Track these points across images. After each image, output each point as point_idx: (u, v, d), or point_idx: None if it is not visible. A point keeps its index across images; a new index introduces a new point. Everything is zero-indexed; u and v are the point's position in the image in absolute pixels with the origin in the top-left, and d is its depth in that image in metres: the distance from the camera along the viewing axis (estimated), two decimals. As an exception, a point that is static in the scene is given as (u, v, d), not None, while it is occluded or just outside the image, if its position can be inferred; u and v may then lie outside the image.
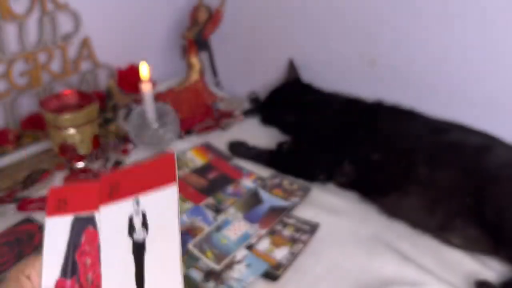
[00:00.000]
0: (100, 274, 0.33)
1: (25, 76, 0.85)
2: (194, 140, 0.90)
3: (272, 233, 0.66)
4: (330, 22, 0.88)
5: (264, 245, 0.64)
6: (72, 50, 0.91)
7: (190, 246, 0.61)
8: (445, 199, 0.64)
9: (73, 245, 0.34)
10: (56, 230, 0.34)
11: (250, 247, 0.63)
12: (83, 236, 0.34)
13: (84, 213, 0.35)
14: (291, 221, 0.68)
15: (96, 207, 0.34)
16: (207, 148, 0.87)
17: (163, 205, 0.32)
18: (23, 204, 0.68)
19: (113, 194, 0.34)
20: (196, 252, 0.61)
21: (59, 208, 0.35)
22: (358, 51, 0.86)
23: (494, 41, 0.70)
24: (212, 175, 0.78)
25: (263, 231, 0.66)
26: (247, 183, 0.77)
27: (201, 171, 0.79)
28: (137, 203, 0.33)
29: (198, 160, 0.83)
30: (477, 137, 0.68)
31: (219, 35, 0.99)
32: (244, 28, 1.03)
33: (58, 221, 0.34)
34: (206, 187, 0.75)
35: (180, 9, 1.10)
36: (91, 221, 0.34)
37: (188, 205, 0.70)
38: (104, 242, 0.33)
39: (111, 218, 0.34)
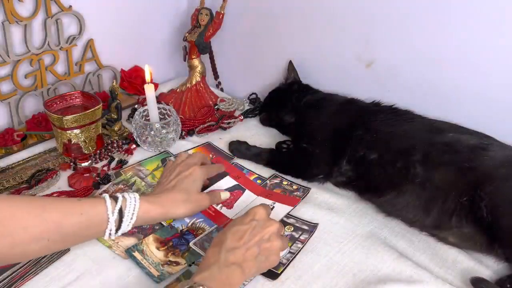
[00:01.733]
0: (233, 203, 0.72)
1: (30, 77, 0.87)
2: (196, 140, 0.91)
3: (271, 231, 0.68)
4: (327, 24, 0.89)
5: (264, 243, 0.65)
6: (76, 52, 0.93)
7: (191, 244, 0.63)
8: (441, 198, 0.65)
9: (230, 190, 0.75)
10: (228, 181, 0.77)
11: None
12: (235, 191, 0.75)
13: (245, 189, 0.76)
14: (290, 220, 0.69)
15: (254, 190, 0.76)
16: (208, 148, 0.88)
17: (282, 210, 0.71)
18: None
19: (268, 196, 0.74)
20: (197, 249, 0.62)
21: (235, 178, 0.78)
22: (355, 53, 0.87)
23: (490, 42, 0.70)
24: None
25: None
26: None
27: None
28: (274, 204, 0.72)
29: (199, 160, 0.84)
30: (473, 137, 0.69)
31: (220, 37, 1.00)
32: (244, 30, 1.05)
33: (230, 180, 0.77)
34: (206, 186, 0.75)
35: (182, 12, 1.11)
36: (244, 190, 0.75)
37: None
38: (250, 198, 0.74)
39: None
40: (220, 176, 0.77)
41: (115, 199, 0.57)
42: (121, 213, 0.56)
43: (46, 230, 0.50)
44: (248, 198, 0.74)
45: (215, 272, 0.50)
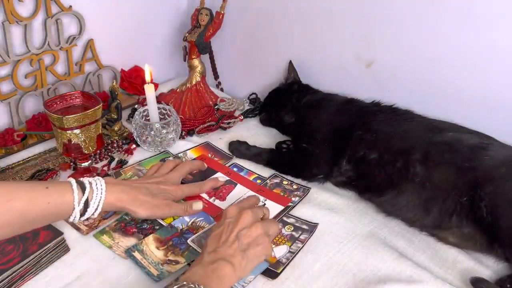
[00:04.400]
0: (226, 196, 0.73)
1: (30, 77, 0.87)
2: (196, 140, 0.91)
3: (271, 231, 0.68)
4: (327, 24, 0.89)
5: (263, 242, 0.66)
6: (76, 52, 0.93)
7: (189, 241, 0.63)
8: (441, 198, 0.65)
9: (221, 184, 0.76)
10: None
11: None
12: (227, 186, 0.76)
13: (236, 183, 0.77)
14: (290, 220, 0.69)
15: (245, 184, 0.77)
16: (207, 147, 0.88)
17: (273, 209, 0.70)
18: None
19: (259, 192, 0.75)
20: (195, 246, 0.62)
21: (226, 174, 0.79)
22: (355, 53, 0.87)
23: (490, 42, 0.71)
24: (196, 171, 0.79)
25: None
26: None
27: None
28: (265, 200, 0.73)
29: (199, 160, 0.84)
30: (473, 136, 0.69)
31: (220, 37, 1.00)
32: (244, 30, 1.05)
33: (221, 176, 0.78)
34: (189, 181, 0.76)
35: (182, 12, 1.11)
36: (235, 185, 0.77)
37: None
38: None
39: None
40: (211, 173, 0.79)
41: (82, 187, 0.58)
42: (86, 202, 0.58)
43: (12, 218, 0.52)
44: (240, 191, 0.75)
45: (198, 270, 0.51)
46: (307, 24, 0.93)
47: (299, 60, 0.95)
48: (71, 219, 0.59)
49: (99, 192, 0.59)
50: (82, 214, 0.59)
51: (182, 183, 0.73)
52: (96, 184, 0.59)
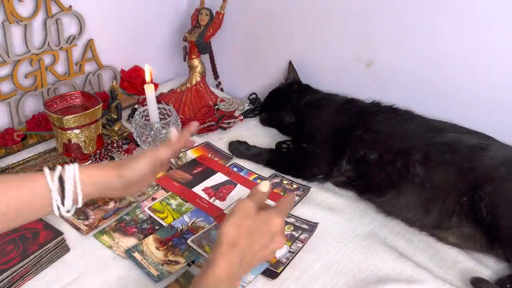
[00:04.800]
0: (226, 196, 0.74)
1: (30, 77, 0.87)
2: (195, 140, 0.91)
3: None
4: (327, 24, 0.89)
5: (263, 242, 0.65)
6: (76, 52, 0.93)
7: (189, 241, 0.63)
8: (441, 198, 0.65)
9: (222, 184, 0.77)
10: (219, 177, 0.79)
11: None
12: (227, 186, 0.77)
13: (236, 183, 0.78)
14: (290, 220, 0.69)
15: (245, 184, 0.77)
16: (207, 147, 0.88)
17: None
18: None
19: None
20: (194, 247, 0.62)
21: (226, 174, 0.80)
22: (355, 53, 0.87)
23: (490, 42, 0.71)
24: (196, 170, 0.80)
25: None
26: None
27: (187, 167, 0.81)
28: None
29: (199, 160, 0.84)
30: (473, 137, 0.69)
31: (220, 37, 1.00)
32: (244, 30, 1.05)
33: (222, 176, 0.79)
34: (189, 181, 0.77)
35: (182, 12, 1.11)
36: (235, 185, 0.77)
37: (190, 206, 0.71)
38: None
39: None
40: (211, 173, 0.79)
41: (53, 169, 0.52)
42: (62, 181, 0.51)
43: None
44: (239, 191, 0.75)
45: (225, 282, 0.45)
46: (307, 24, 0.93)
47: (299, 60, 0.95)
48: (54, 206, 0.51)
49: (70, 168, 0.52)
50: (62, 197, 0.51)
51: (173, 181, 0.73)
52: (68, 165, 0.53)
